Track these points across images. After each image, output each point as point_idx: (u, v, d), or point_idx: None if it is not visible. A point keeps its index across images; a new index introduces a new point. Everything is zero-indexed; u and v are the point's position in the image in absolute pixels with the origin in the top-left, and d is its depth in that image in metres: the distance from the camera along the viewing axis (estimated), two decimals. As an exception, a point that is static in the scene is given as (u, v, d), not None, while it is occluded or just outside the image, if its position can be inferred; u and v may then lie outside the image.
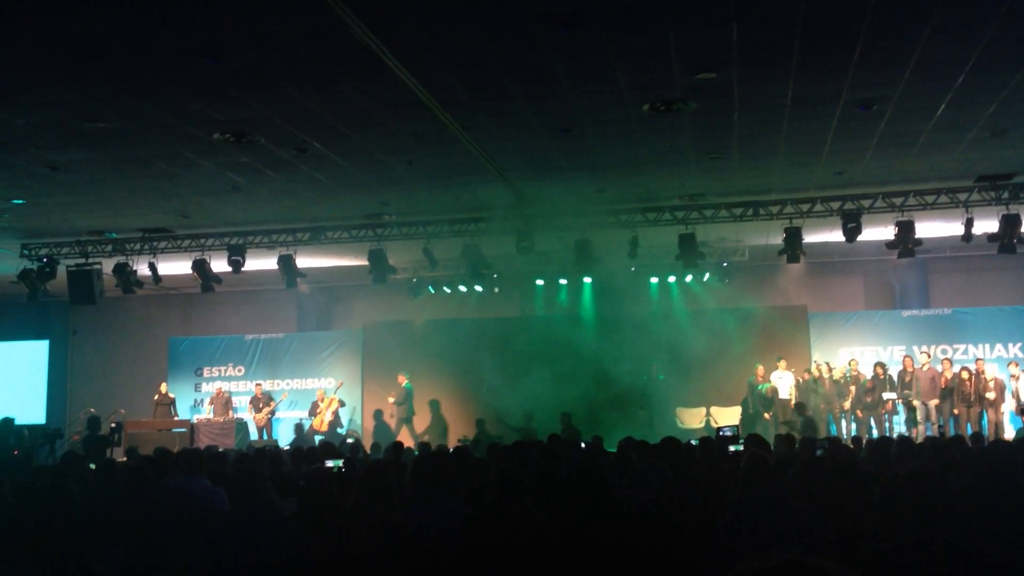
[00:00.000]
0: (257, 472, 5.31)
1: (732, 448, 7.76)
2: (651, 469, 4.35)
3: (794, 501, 4.31)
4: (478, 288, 18.90)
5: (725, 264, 17.76)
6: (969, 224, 13.48)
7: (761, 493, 4.28)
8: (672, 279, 18.44)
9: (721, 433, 10.03)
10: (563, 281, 18.66)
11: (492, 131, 10.49)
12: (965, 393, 15.65)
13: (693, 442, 9.17)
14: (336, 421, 18.00)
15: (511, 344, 18.25)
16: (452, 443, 15.95)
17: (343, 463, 7.05)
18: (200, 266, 15.89)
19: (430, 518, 4.57)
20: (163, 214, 14.52)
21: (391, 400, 18.06)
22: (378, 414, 17.98)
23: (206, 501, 5.72)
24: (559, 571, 3.90)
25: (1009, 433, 15.05)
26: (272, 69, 8.44)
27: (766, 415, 16.49)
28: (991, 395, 15.25)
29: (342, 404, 18.27)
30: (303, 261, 16.46)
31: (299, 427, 17.37)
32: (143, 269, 16.08)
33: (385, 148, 11.18)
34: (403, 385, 18.16)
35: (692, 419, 17.84)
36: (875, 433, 15.41)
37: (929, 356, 16.60)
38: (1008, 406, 15.52)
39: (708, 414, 17.49)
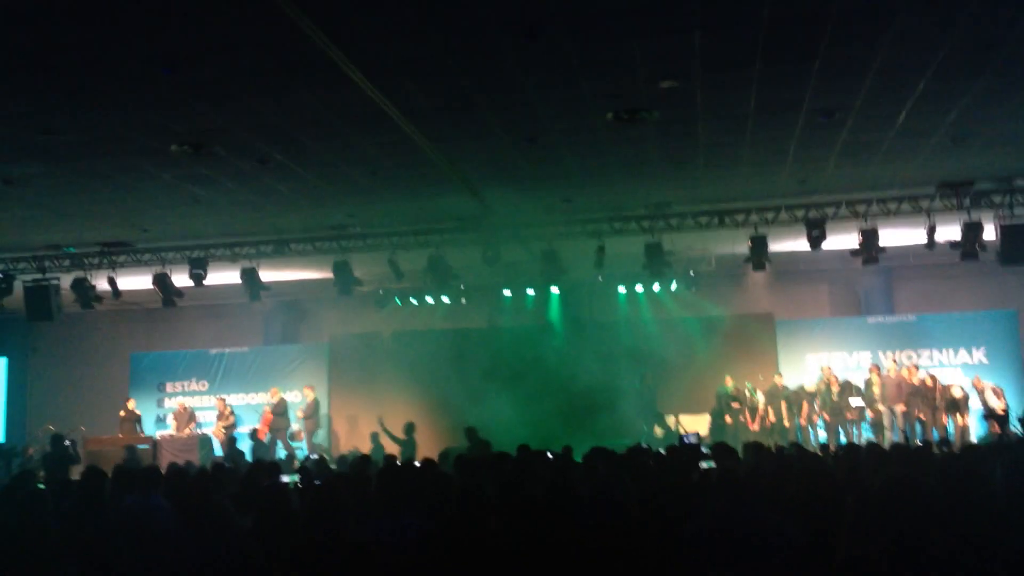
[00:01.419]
0: (213, 488, 5.17)
1: (703, 464, 7.72)
2: (615, 480, 4.27)
3: (763, 510, 4.24)
4: (445, 299, 18.77)
5: (692, 273, 17.78)
6: (931, 231, 13.58)
7: (729, 503, 4.22)
8: (639, 288, 18.44)
9: (685, 441, 9.98)
10: (530, 291, 18.58)
11: (457, 141, 10.40)
12: (930, 399, 15.78)
13: (661, 451, 9.12)
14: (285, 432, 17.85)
15: (479, 355, 18.15)
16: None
17: (300, 478, 6.91)
18: (161, 280, 15.63)
19: (388, 533, 4.45)
20: (122, 227, 14.26)
21: (299, 414, 17.88)
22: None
23: (163, 519, 5.56)
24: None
25: (975, 439, 15.17)
26: (231, 79, 8.31)
27: (734, 405, 16.58)
28: (958, 393, 15.42)
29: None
30: (267, 274, 16.26)
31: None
32: (102, 284, 15.78)
33: (348, 159, 11.06)
34: (310, 398, 18.01)
35: (660, 428, 17.81)
36: (843, 440, 15.48)
37: (895, 362, 16.73)
38: (975, 406, 15.64)
39: (677, 422, 17.46)
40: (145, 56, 7.69)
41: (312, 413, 18.01)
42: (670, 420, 17.17)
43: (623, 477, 4.71)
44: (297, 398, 19.60)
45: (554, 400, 17.15)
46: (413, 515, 5.07)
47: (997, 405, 14.90)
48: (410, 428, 16.14)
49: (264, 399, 19.06)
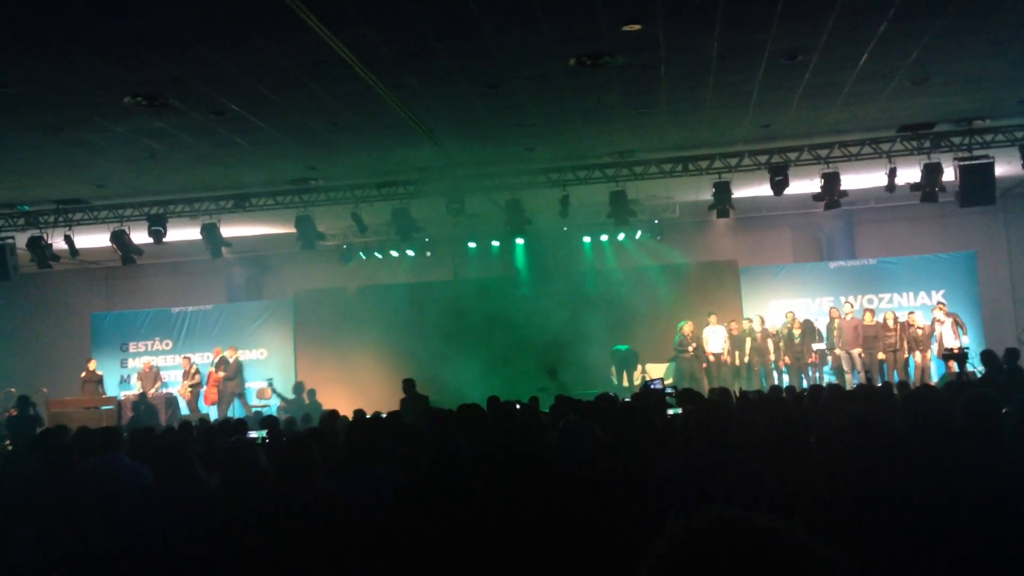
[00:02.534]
0: (181, 446, 5.10)
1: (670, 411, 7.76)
2: (580, 427, 4.26)
3: (738, 455, 4.25)
4: (410, 252, 18.68)
5: (656, 221, 17.80)
6: (892, 174, 13.68)
7: (702, 449, 4.22)
8: (604, 238, 18.46)
9: (651, 386, 10.03)
10: (495, 243, 18.52)
11: (418, 89, 10.23)
12: (889, 341, 16.03)
13: (627, 399, 9.17)
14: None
15: (445, 308, 18.12)
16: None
17: (267, 434, 6.86)
18: (119, 237, 15.33)
19: (358, 488, 4.42)
20: (77, 184, 13.94)
21: (221, 374, 17.81)
22: (311, 393, 17.71)
23: (126, 478, 5.49)
24: (492, 538, 3.79)
25: (935, 379, 15.44)
26: (183, 27, 8.07)
27: (686, 352, 16.73)
28: (919, 330, 15.70)
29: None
30: (229, 230, 16.03)
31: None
32: (59, 243, 15.45)
33: (307, 110, 10.85)
34: (233, 358, 17.92)
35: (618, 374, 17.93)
36: (805, 384, 15.69)
37: (852, 307, 16.93)
38: (934, 351, 15.91)
39: (643, 371, 17.59)
40: (94, 3, 7.44)
41: (235, 374, 17.86)
42: (637, 370, 17.28)
43: (590, 424, 4.70)
44: (262, 355, 19.52)
45: (521, 352, 17.20)
46: (383, 469, 5.05)
47: (954, 344, 15.15)
48: (298, 388, 16.97)
49: (245, 356, 19.00)
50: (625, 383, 16.62)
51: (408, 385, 12.75)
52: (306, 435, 5.37)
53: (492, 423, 6.50)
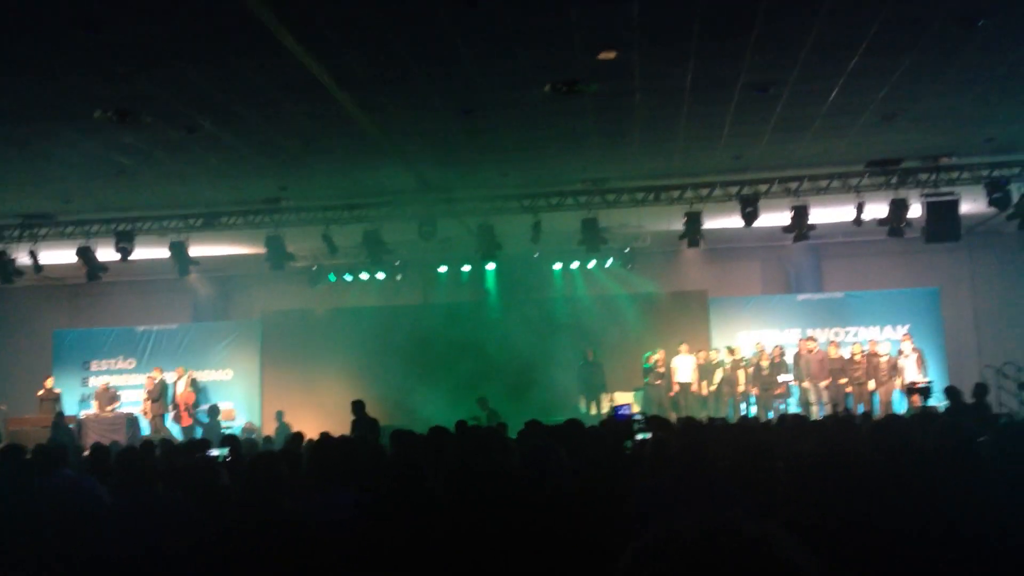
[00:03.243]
0: (140, 462, 5.01)
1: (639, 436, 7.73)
2: (549, 450, 4.23)
3: (716, 476, 4.24)
4: (380, 275, 18.60)
5: (627, 250, 17.89)
6: (860, 208, 13.86)
7: (680, 471, 4.20)
8: (575, 265, 18.50)
9: (618, 412, 10.01)
10: (466, 267, 18.49)
11: (393, 112, 10.24)
12: (856, 374, 16.15)
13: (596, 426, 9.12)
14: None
15: (414, 331, 18.07)
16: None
17: (228, 452, 6.75)
18: (85, 253, 15.12)
19: (320, 506, 4.35)
20: (43, 198, 13.76)
21: (145, 398, 17.61)
22: (279, 415, 17.51)
23: (80, 495, 5.37)
24: (457, 556, 3.73)
25: (898, 412, 15.56)
26: (158, 43, 8.03)
27: (657, 382, 16.74)
28: (884, 361, 15.83)
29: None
30: (197, 249, 15.86)
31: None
32: (23, 258, 15.21)
33: (281, 129, 10.82)
34: (157, 380, 17.74)
35: (596, 405, 17.92)
36: (771, 415, 15.74)
37: (815, 340, 17.04)
38: (899, 382, 16.04)
39: (611, 399, 17.58)
40: (66, 16, 7.37)
41: (159, 395, 17.63)
42: (605, 398, 17.27)
43: (557, 448, 4.67)
44: (227, 376, 19.28)
45: (489, 377, 17.14)
46: (347, 489, 4.98)
47: (918, 378, 15.30)
48: (214, 411, 16.99)
49: (210, 376, 18.87)
50: (593, 411, 16.60)
51: (357, 407, 12.31)
52: (275, 453, 5.29)
53: (458, 445, 6.44)
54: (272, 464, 4.12)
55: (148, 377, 18.30)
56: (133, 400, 18.25)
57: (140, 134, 10.65)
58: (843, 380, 16.18)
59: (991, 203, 13.33)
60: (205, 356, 19.13)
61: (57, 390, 17.83)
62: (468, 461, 5.43)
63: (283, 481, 4.01)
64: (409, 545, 3.72)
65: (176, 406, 17.82)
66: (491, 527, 4.03)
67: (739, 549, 1.06)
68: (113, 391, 18.01)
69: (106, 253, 15.20)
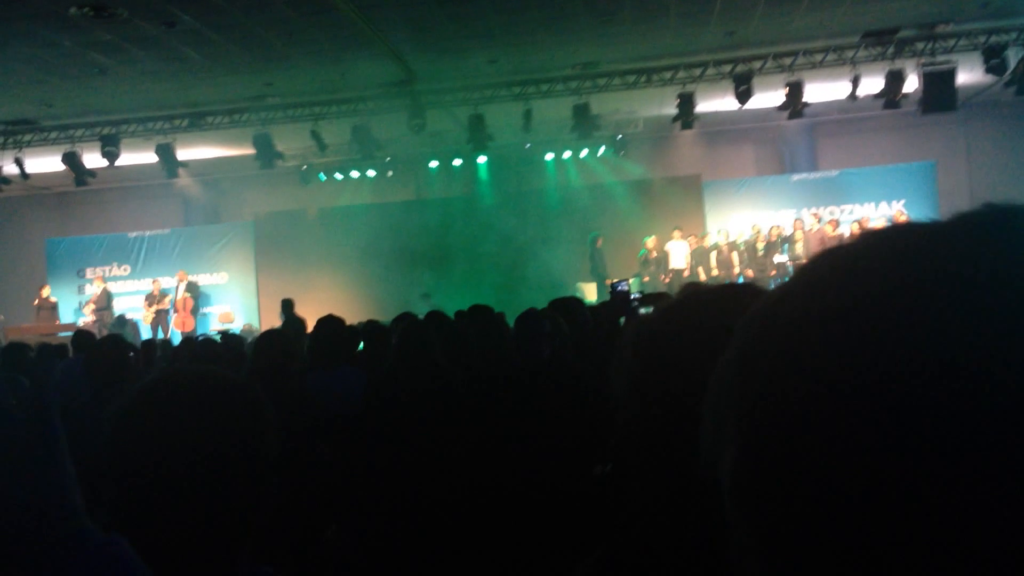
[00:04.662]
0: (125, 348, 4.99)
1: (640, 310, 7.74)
2: (550, 319, 4.25)
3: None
4: (371, 173, 18.43)
5: (620, 136, 17.69)
6: (855, 82, 13.64)
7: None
8: (568, 155, 18.32)
9: (617, 288, 10.01)
10: (457, 161, 18.30)
11: (376, -2, 9.94)
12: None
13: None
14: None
15: (408, 228, 18.03)
16: None
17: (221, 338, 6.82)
18: (71, 159, 14.91)
19: (331, 383, 4.39)
20: (24, 103, 13.49)
21: (92, 306, 17.57)
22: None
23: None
24: (467, 424, 3.79)
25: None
26: (128, -72, 7.72)
27: (644, 278, 16.74)
28: None
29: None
30: (185, 152, 15.64)
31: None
32: (9, 166, 15.01)
33: (263, 21, 10.51)
34: (100, 289, 17.67)
35: (591, 293, 18.00)
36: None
37: (818, 218, 17.04)
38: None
39: (608, 287, 17.64)
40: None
41: (105, 304, 17.60)
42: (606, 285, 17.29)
43: (556, 317, 4.70)
44: (222, 279, 19.29)
45: (485, 270, 17.20)
46: (352, 367, 5.02)
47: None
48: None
49: (206, 280, 18.94)
50: (595, 297, 16.69)
51: (286, 305, 12.64)
52: (278, 329, 5.29)
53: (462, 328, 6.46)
54: (284, 335, 4.13)
55: (153, 281, 18.18)
56: (131, 306, 18.29)
57: (118, 30, 10.35)
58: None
59: (988, 70, 13.11)
60: (199, 260, 19.11)
61: (53, 299, 17.83)
62: (471, 345, 5.46)
63: (294, 356, 4.01)
64: (421, 410, 3.76)
65: (176, 310, 17.85)
66: (495, 402, 4.08)
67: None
68: (108, 293, 17.94)
69: (93, 159, 14.99)
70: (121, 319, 17.26)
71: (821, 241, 16.43)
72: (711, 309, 1.03)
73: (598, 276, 16.66)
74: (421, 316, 13.73)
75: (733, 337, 0.49)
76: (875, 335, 0.42)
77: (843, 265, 0.47)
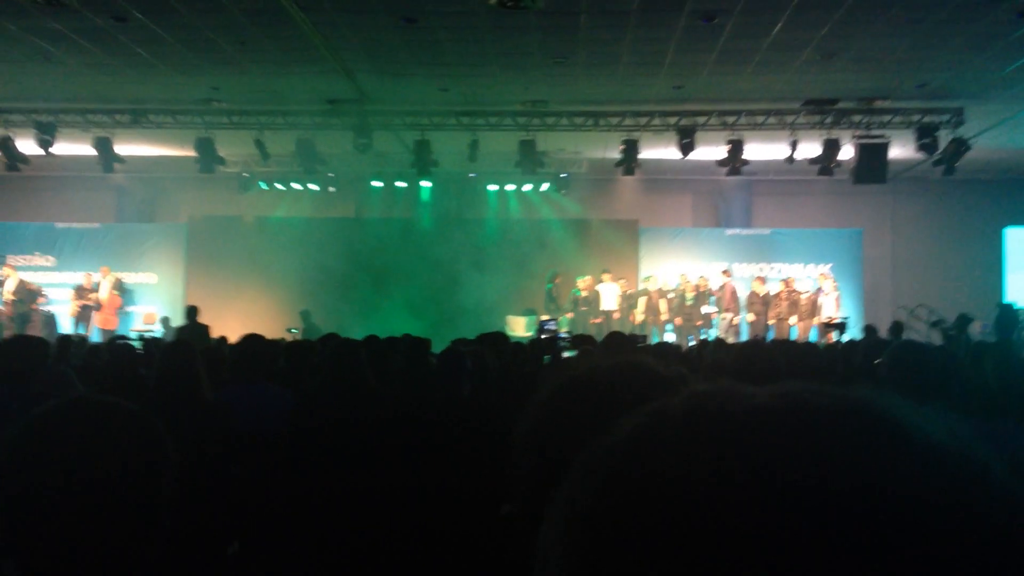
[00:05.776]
0: (57, 358, 4.93)
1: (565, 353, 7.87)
2: (475, 353, 4.30)
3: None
4: (313, 187, 18.31)
5: (563, 175, 17.92)
6: (794, 146, 14.10)
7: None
8: (511, 187, 18.47)
9: (545, 327, 10.13)
10: (401, 184, 18.30)
11: (333, 15, 9.97)
12: (779, 309, 16.64)
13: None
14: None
15: (345, 245, 17.98)
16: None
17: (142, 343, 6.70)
18: (4, 143, 14.54)
19: (246, 399, 4.36)
20: (-40, 83, 13.13)
21: (12, 297, 17.07)
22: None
23: None
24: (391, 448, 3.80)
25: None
26: (87, -80, 7.64)
27: (570, 314, 16.88)
28: (804, 298, 16.38)
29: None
30: (123, 148, 15.37)
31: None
32: (-63, 145, 14.57)
33: (215, 24, 10.44)
34: (16, 280, 17.10)
35: (520, 327, 18.08)
36: (692, 340, 16.13)
37: (728, 274, 17.40)
38: (816, 320, 16.58)
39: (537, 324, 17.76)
40: None
41: (25, 296, 17.08)
42: (527, 321, 17.41)
43: (483, 352, 4.75)
44: (151, 279, 18.93)
45: (418, 293, 17.21)
46: (273, 384, 4.99)
47: (835, 315, 15.87)
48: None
49: (133, 280, 18.55)
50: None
51: (190, 312, 12.85)
52: (188, 342, 5.23)
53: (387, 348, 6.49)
54: (188, 348, 4.08)
55: (86, 275, 17.67)
56: (52, 298, 17.77)
57: (67, 20, 10.18)
58: (766, 314, 16.65)
59: (919, 148, 13.66)
60: (128, 257, 18.72)
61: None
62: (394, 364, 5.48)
63: (199, 369, 3.96)
64: (348, 431, 3.76)
65: (101, 307, 17.39)
66: (414, 434, 4.11)
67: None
68: (36, 286, 17.38)
69: (27, 145, 14.63)
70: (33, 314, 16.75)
71: (733, 295, 16.90)
72: (601, 389, 1.11)
73: (555, 312, 16.73)
74: (293, 333, 13.72)
75: (571, 474, 0.56)
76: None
77: (674, 447, 0.52)
